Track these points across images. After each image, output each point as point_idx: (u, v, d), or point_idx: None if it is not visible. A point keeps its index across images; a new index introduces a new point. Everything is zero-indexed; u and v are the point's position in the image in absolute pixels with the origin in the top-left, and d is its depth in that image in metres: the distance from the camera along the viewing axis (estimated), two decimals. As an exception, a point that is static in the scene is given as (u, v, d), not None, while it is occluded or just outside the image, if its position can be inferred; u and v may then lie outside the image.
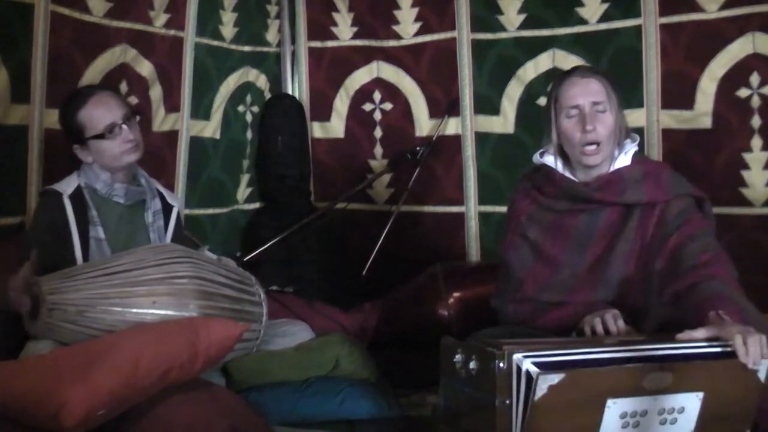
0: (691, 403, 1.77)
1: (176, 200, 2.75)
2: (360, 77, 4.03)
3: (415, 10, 3.88)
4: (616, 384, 1.71)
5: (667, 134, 3.34)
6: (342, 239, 3.96)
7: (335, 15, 4.06)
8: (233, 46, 3.84)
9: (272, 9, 4.10)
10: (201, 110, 3.68)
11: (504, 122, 3.70)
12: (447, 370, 1.86)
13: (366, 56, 4.01)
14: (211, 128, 3.75)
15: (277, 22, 4.13)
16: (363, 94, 4.03)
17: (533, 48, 3.61)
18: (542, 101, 3.54)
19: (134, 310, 2.24)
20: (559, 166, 2.32)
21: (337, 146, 4.09)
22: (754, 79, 3.16)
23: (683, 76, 3.29)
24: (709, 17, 3.23)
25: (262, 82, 4.06)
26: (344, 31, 4.05)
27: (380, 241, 3.61)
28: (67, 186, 2.50)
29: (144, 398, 2.03)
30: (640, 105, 3.37)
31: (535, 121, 3.49)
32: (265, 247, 3.55)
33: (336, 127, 4.09)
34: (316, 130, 4.13)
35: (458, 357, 1.81)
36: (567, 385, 1.65)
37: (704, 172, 3.20)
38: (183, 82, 3.55)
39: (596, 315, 2.08)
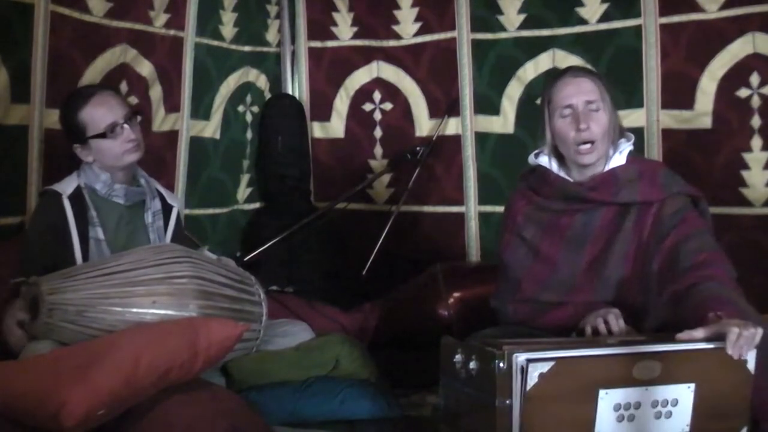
0: (683, 395, 1.78)
1: (176, 200, 2.75)
2: (360, 77, 4.03)
3: (415, 10, 3.89)
4: (606, 372, 1.73)
5: (667, 134, 3.34)
6: (342, 239, 3.96)
7: (335, 15, 4.06)
8: (233, 46, 3.84)
9: (272, 9, 4.11)
10: (201, 110, 3.68)
11: (504, 122, 3.70)
12: (447, 370, 1.86)
13: (366, 56, 4.01)
14: (211, 128, 3.75)
15: (277, 22, 4.13)
16: (363, 94, 4.03)
17: (533, 48, 3.61)
18: (542, 101, 3.55)
19: (134, 310, 2.24)
20: (554, 167, 2.33)
21: (337, 146, 4.10)
22: (754, 79, 3.16)
23: (683, 76, 3.29)
24: (709, 17, 3.23)
25: (262, 82, 4.06)
26: (344, 31, 4.05)
27: (380, 241, 3.61)
28: (66, 186, 2.50)
29: (144, 398, 2.03)
30: (640, 105, 3.37)
31: (535, 121, 3.44)
32: (265, 247, 3.55)
33: (336, 127, 4.09)
34: (316, 130, 4.13)
35: (458, 357, 1.81)
36: (557, 373, 1.67)
37: (704, 172, 3.20)
38: (183, 82, 3.55)
39: (597, 315, 2.08)
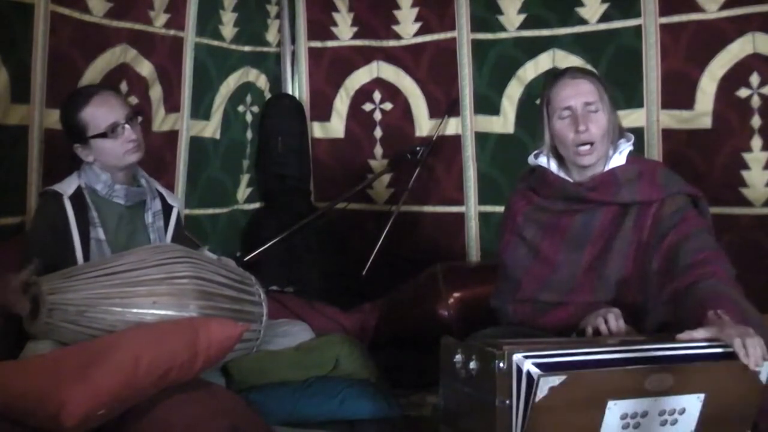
0: (692, 404, 1.77)
1: (176, 200, 2.75)
2: (360, 77, 4.03)
3: (415, 10, 3.89)
4: (618, 385, 1.71)
5: (667, 134, 3.34)
6: (342, 239, 3.97)
7: (335, 15, 4.06)
8: (233, 46, 3.84)
9: (272, 9, 4.11)
10: (201, 110, 3.68)
11: (504, 122, 3.70)
12: (447, 370, 1.86)
13: (366, 56, 4.01)
14: (211, 128, 3.75)
15: (277, 22, 4.13)
16: (363, 94, 4.03)
17: (533, 48, 3.61)
18: (542, 101, 3.55)
19: (134, 310, 2.24)
20: (553, 167, 2.33)
21: (337, 146, 4.09)
22: (754, 79, 3.16)
23: (683, 76, 3.29)
24: (709, 17, 3.23)
25: (262, 82, 4.06)
26: (344, 31, 4.05)
27: (380, 241, 3.61)
28: (67, 187, 2.50)
29: (144, 398, 2.02)
30: (640, 105, 3.37)
31: (535, 121, 3.45)
32: (265, 247, 3.55)
33: (336, 127, 4.09)
34: (316, 130, 4.13)
35: (458, 357, 1.81)
36: (568, 386, 1.65)
37: (704, 172, 3.20)
38: (183, 82, 3.55)
39: (597, 314, 2.08)
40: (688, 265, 2.09)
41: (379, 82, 4.00)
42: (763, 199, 3.18)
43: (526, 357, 1.69)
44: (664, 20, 3.32)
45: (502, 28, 3.68)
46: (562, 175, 2.33)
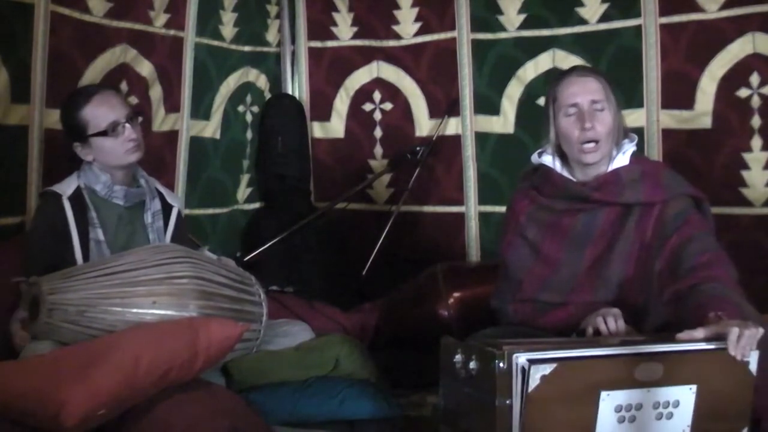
0: (685, 396, 1.78)
1: (176, 200, 2.75)
2: (360, 77, 4.03)
3: (415, 10, 3.89)
4: (608, 374, 1.73)
5: (667, 134, 3.34)
6: (342, 239, 3.97)
7: (335, 15, 4.06)
8: (233, 46, 3.84)
9: (272, 9, 4.11)
10: (201, 110, 3.68)
11: (504, 122, 3.70)
12: (447, 370, 1.86)
13: (366, 56, 4.01)
14: (211, 128, 3.75)
15: (277, 22, 4.13)
16: (363, 94, 4.03)
17: (533, 48, 3.61)
18: (542, 101, 3.51)
19: (134, 310, 2.24)
20: (557, 166, 2.33)
21: (337, 146, 4.10)
22: (754, 79, 3.16)
23: (683, 76, 3.29)
24: (709, 17, 3.23)
25: (262, 82, 4.06)
26: (344, 31, 4.05)
27: (380, 241, 3.61)
28: (66, 187, 2.50)
29: (144, 398, 2.03)
30: (640, 105, 3.37)
31: (535, 121, 3.47)
32: (265, 247, 3.55)
33: (336, 127, 4.09)
34: (316, 130, 4.13)
35: (458, 357, 1.81)
36: (559, 375, 1.67)
37: (704, 172, 3.20)
38: (183, 82, 3.55)
39: (598, 314, 2.08)
40: (691, 267, 2.09)
41: (379, 82, 4.00)
42: (763, 199, 3.18)
43: (528, 358, 1.69)
44: (664, 20, 3.32)
45: (502, 28, 3.68)
46: (565, 174, 2.33)
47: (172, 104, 3.50)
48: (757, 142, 3.18)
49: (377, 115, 4.02)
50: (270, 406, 2.45)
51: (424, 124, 3.90)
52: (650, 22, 3.34)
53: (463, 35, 3.75)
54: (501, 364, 1.69)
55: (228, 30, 3.80)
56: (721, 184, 3.19)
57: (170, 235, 2.64)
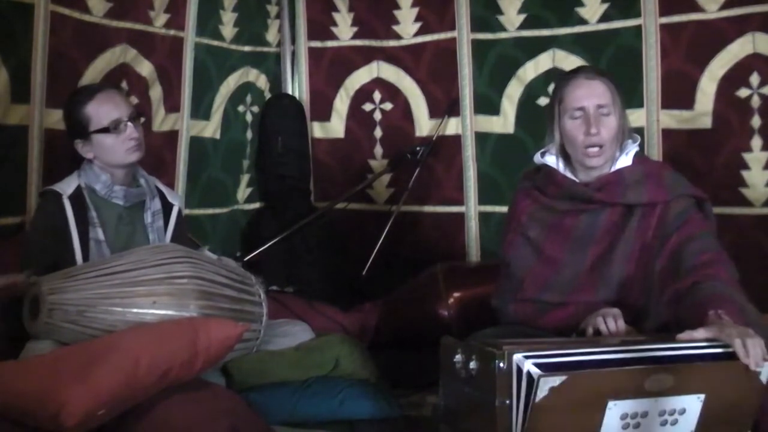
0: (692, 404, 1.77)
1: (177, 198, 2.74)
2: (360, 77, 4.03)
3: (415, 10, 3.89)
4: (618, 385, 1.72)
5: (667, 134, 3.34)
6: (342, 239, 3.96)
7: (335, 15, 4.06)
8: (233, 46, 3.84)
9: (272, 9, 4.10)
10: (201, 110, 3.68)
11: (504, 122, 3.70)
12: (447, 370, 1.86)
13: (366, 56, 4.01)
14: (211, 128, 3.75)
15: (277, 22, 4.13)
16: (363, 94, 4.03)
17: (533, 48, 3.61)
18: (542, 101, 3.55)
19: (134, 310, 2.24)
20: (560, 167, 2.32)
21: (337, 146, 4.09)
22: (754, 79, 3.16)
23: (683, 76, 3.29)
24: (709, 17, 3.23)
25: (262, 82, 4.06)
26: (344, 31, 4.05)
27: (380, 241, 3.61)
28: (67, 186, 2.50)
29: (144, 398, 2.02)
30: (640, 105, 3.37)
31: (535, 121, 3.49)
32: (265, 247, 3.55)
33: (336, 127, 4.09)
34: (316, 130, 4.13)
35: (458, 357, 1.81)
36: (568, 386, 1.65)
37: (704, 172, 3.20)
38: (183, 82, 3.55)
39: (598, 314, 2.08)
40: (691, 266, 2.09)
41: (379, 82, 4.00)
42: (763, 199, 3.18)
43: (527, 357, 1.69)
44: (664, 20, 3.32)
45: (502, 28, 3.68)
46: (568, 174, 2.33)
47: (172, 104, 3.50)
48: (757, 142, 3.18)
49: (377, 115, 4.02)
50: (270, 406, 2.45)
51: (424, 124, 3.90)
52: (650, 22, 3.34)
53: (463, 35, 3.75)
54: (501, 364, 1.68)
55: (228, 30, 3.80)
56: (721, 184, 3.19)
57: (170, 234, 2.63)
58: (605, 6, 3.45)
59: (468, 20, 3.74)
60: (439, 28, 3.83)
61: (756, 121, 3.17)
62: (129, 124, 2.50)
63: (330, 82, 4.09)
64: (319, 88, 4.11)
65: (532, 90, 3.61)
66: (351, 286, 3.65)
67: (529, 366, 1.67)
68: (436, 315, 3.17)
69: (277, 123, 4.02)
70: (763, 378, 1.79)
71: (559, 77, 2.43)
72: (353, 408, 2.52)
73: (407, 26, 3.91)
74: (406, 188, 3.74)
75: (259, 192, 4.08)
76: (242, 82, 3.92)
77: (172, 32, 3.48)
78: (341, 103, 4.07)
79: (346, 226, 3.94)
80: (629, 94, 3.34)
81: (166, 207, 2.66)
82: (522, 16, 3.63)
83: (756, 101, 3.17)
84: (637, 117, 3.34)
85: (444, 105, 3.82)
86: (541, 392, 1.64)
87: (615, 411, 1.72)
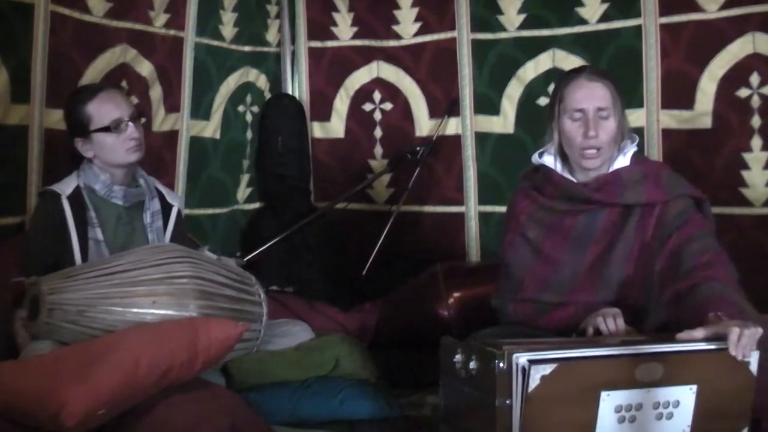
0: (685, 396, 1.78)
1: (176, 199, 2.74)
2: (360, 77, 4.03)
3: (415, 10, 3.89)
4: (609, 375, 1.73)
5: (667, 134, 3.34)
6: (342, 239, 3.97)
7: (335, 15, 4.06)
8: (233, 46, 3.84)
9: (272, 9, 4.10)
10: (201, 110, 3.68)
11: (504, 122, 3.70)
12: (447, 370, 1.86)
13: (366, 56, 4.01)
14: (211, 128, 3.76)
15: (277, 22, 4.13)
16: (363, 94, 4.03)
17: (533, 48, 3.61)
18: (542, 101, 3.55)
19: (134, 310, 2.24)
20: (558, 167, 2.32)
21: (337, 146, 4.10)
22: (754, 79, 3.16)
23: (683, 76, 3.29)
24: (709, 17, 3.23)
25: (262, 82, 4.06)
26: (344, 31, 4.05)
27: (380, 241, 3.61)
28: (66, 186, 2.50)
29: (144, 398, 2.03)
30: (640, 105, 3.37)
31: (535, 121, 3.49)
32: (265, 247, 3.55)
33: (336, 127, 4.09)
34: (316, 130, 4.13)
35: (458, 357, 1.81)
36: (559, 375, 1.67)
37: (704, 172, 3.20)
38: (183, 82, 3.55)
39: (598, 314, 2.08)
40: (691, 267, 2.09)
41: (379, 82, 4.00)
42: (763, 199, 3.18)
43: (528, 358, 1.69)
44: (664, 20, 3.32)
45: (502, 28, 3.68)
46: (566, 174, 2.33)
47: (172, 104, 3.50)
48: (757, 142, 3.18)
49: (377, 115, 4.02)
50: (270, 406, 2.45)
51: (424, 124, 3.90)
52: (650, 22, 3.34)
53: (463, 35, 3.75)
54: (501, 364, 1.69)
55: (228, 30, 3.80)
56: (721, 184, 3.19)
57: (170, 235, 2.64)
58: (605, 6, 3.45)
59: (468, 20, 3.74)
60: (439, 28, 3.83)
61: (756, 121, 3.17)
62: (130, 123, 2.50)
63: (330, 82, 4.09)
64: (319, 88, 4.11)
65: (532, 90, 3.61)
66: (351, 286, 3.65)
67: (522, 360, 1.68)
68: (436, 315, 3.17)
69: (277, 123, 4.02)
70: (752, 368, 1.80)
71: (561, 76, 2.42)
72: (353, 408, 2.52)
73: (407, 26, 3.91)
74: (406, 188, 3.74)
75: (259, 192, 4.08)
76: (242, 82, 3.92)
77: (172, 32, 3.48)
78: (341, 103, 4.07)
79: (346, 226, 3.94)
80: (629, 94, 3.34)
81: (166, 207, 2.66)
82: (522, 16, 3.63)
83: (756, 101, 3.17)
84: (637, 117, 3.34)
85: (444, 105, 3.82)
86: (533, 382, 1.66)
87: (609, 402, 1.73)
